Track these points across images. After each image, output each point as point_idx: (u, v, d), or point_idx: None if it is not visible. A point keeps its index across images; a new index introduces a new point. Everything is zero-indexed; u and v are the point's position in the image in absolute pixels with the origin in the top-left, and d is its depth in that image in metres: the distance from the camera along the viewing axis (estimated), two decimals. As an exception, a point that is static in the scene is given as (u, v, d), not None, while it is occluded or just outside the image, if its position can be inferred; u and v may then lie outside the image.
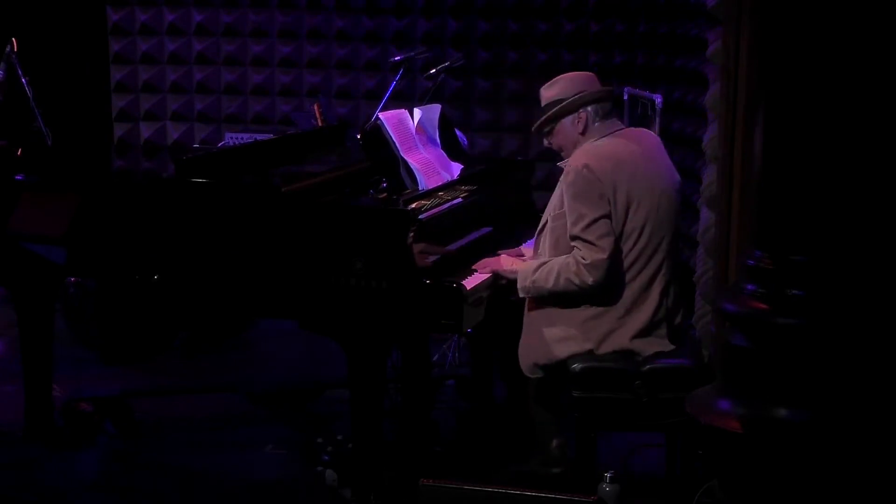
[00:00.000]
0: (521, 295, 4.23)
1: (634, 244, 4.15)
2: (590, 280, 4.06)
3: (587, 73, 4.43)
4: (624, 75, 7.13)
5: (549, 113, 4.26)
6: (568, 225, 4.13)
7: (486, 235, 4.76)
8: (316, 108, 5.85)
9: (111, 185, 4.89)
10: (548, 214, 4.28)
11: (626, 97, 6.28)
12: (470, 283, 4.14)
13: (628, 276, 4.16)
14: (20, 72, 5.46)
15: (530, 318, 4.28)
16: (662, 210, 4.19)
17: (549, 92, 4.30)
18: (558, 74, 4.41)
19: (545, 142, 4.39)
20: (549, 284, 4.11)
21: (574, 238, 4.11)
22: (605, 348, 4.17)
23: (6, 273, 5.00)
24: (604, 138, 4.23)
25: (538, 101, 4.37)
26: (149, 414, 5.33)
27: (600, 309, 4.17)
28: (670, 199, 4.23)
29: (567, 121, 4.27)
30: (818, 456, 3.49)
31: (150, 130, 7.83)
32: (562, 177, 4.22)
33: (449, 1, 7.48)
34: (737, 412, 3.56)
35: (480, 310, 4.23)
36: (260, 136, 6.15)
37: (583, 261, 4.06)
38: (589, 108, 4.25)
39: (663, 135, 5.79)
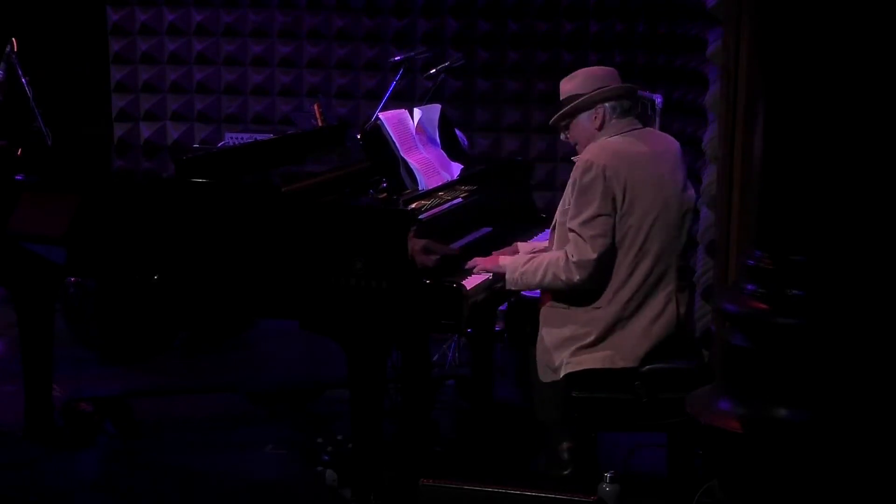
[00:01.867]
0: (508, 287, 4.21)
1: (638, 242, 4.09)
2: (575, 278, 4.05)
3: (609, 68, 4.38)
4: (624, 75, 7.09)
5: (568, 108, 4.23)
6: (569, 216, 4.11)
7: (486, 235, 4.75)
8: (316, 108, 5.84)
9: (111, 185, 4.89)
10: (559, 211, 4.24)
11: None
12: (470, 283, 4.14)
13: (635, 276, 4.11)
14: (20, 72, 5.45)
15: (543, 320, 4.25)
16: (669, 215, 4.13)
17: (568, 85, 4.27)
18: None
19: (562, 136, 4.36)
20: (537, 279, 4.12)
21: (571, 230, 4.09)
22: (625, 355, 4.12)
23: (6, 273, 5.00)
24: (618, 136, 4.20)
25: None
26: (149, 414, 5.33)
27: (605, 307, 4.13)
28: (675, 205, 4.15)
29: (584, 116, 4.24)
30: (818, 456, 3.49)
31: (150, 130, 7.82)
32: (573, 171, 4.17)
33: (449, 1, 7.47)
34: (737, 412, 3.56)
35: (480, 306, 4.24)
36: (260, 136, 6.16)
37: (572, 258, 4.06)
38: (606, 105, 4.22)
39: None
